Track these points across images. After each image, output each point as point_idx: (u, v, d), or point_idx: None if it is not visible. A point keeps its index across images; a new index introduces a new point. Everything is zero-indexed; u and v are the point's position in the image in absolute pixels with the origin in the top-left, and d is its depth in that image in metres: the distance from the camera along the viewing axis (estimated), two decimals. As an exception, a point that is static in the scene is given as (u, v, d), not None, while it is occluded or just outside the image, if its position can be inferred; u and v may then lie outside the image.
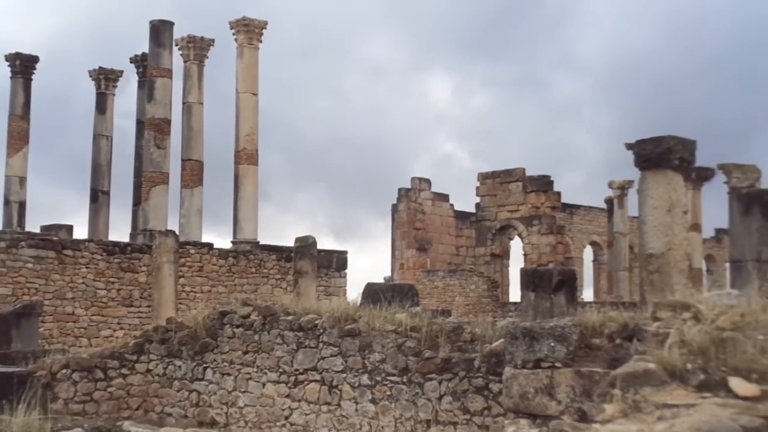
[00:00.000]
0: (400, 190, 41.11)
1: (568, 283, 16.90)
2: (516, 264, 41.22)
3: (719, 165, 33.97)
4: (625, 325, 7.66)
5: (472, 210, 43.12)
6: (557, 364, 7.79)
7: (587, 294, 46.86)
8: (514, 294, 37.07)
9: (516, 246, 42.79)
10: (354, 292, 28.45)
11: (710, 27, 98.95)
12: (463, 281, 38.11)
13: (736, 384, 5.29)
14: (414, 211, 40.57)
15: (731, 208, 22.86)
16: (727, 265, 28.78)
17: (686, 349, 5.74)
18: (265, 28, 29.38)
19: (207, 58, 30.40)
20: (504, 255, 42.64)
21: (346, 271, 27.45)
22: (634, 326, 7.53)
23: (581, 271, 48.25)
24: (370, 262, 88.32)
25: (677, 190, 20.37)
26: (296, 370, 11.37)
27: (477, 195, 42.31)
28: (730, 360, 5.61)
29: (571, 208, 48.26)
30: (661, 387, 5.31)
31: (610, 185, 43.90)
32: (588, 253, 50.68)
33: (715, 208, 36.78)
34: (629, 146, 20.40)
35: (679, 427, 4.49)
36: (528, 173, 40.69)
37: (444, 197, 42.52)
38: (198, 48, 30.03)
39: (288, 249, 24.94)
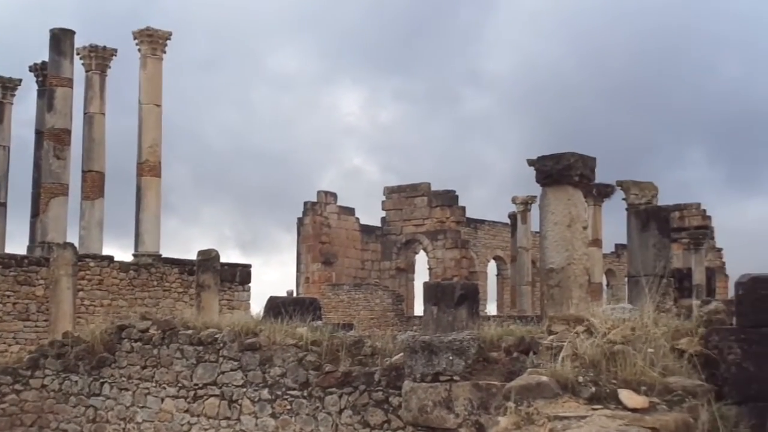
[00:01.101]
0: (305, 203, 41.01)
1: (471, 297, 17.06)
2: (421, 278, 41.55)
3: (618, 182, 34.73)
4: (521, 339, 7.79)
5: (378, 224, 43.26)
6: (455, 378, 7.86)
7: (491, 308, 47.39)
8: (419, 308, 37.24)
9: (421, 260, 43.12)
10: (259, 305, 28.20)
11: (613, 47, 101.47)
12: (368, 295, 38.17)
13: (626, 396, 5.42)
14: (319, 224, 40.50)
15: (629, 225, 23.42)
16: (627, 279, 29.43)
17: (579, 362, 5.86)
18: (170, 38, 29.03)
19: (109, 67, 29.86)
20: (409, 269, 42.88)
21: (250, 284, 27.24)
22: (530, 340, 7.67)
23: (485, 285, 48.78)
24: (276, 275, 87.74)
25: (577, 206, 20.77)
26: (195, 384, 11.23)
27: (383, 209, 42.51)
28: (620, 372, 5.74)
29: (475, 223, 48.75)
30: (554, 399, 5.40)
31: (514, 201, 44.50)
32: (492, 268, 51.28)
33: (615, 223, 37.62)
34: (531, 162, 20.75)
35: (569, 438, 4.58)
36: (435, 188, 41.04)
37: (350, 211, 42.56)
38: (100, 57, 29.48)
39: (191, 262, 24.63)
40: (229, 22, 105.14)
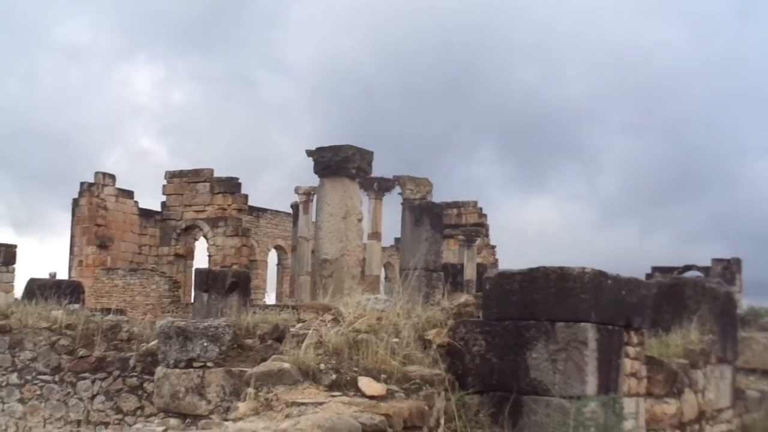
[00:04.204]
0: (82, 184, 39.54)
1: (242, 285, 17.07)
2: (200, 265, 40.86)
3: (395, 176, 35.47)
4: (276, 327, 7.84)
5: (160, 208, 42.26)
6: (209, 364, 7.83)
7: (271, 297, 47.34)
8: (197, 295, 36.58)
9: (201, 247, 42.47)
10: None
11: (415, 44, 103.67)
12: (145, 280, 37.27)
13: (365, 383, 5.54)
14: (96, 206, 39.16)
15: (404, 219, 24.11)
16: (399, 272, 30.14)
17: (323, 349, 5.94)
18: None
19: None
20: (188, 255, 42.15)
21: (15, 265, 26.05)
22: (284, 328, 7.73)
23: (265, 274, 48.73)
24: (51, 256, 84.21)
25: (353, 198, 21.19)
26: (-63, 368, 10.64)
27: (163, 193, 41.55)
28: (362, 361, 5.86)
29: (258, 212, 48.55)
30: (294, 386, 5.45)
31: (296, 191, 44.57)
32: (273, 257, 51.27)
33: (396, 217, 38.50)
34: (309, 153, 20.88)
35: (303, 424, 4.63)
36: (225, 174, 40.43)
37: (128, 194, 41.39)
38: None
39: (-51, 240, 23.31)
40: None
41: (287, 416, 5.00)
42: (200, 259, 42.37)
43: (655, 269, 45.33)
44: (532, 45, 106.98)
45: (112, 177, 40.89)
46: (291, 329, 6.94)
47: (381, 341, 6.03)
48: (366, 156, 20.06)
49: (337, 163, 19.32)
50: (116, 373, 9.34)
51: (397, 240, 53.78)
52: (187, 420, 7.74)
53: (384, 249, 44.87)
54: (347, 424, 4.71)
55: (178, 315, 32.99)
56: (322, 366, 5.64)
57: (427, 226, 22.63)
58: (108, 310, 12.81)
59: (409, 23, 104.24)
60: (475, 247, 44.44)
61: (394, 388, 5.66)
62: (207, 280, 16.85)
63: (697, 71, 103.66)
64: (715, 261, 44.84)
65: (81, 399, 9.50)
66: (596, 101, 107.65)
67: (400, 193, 35.17)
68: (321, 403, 5.16)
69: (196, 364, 7.84)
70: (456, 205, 50.84)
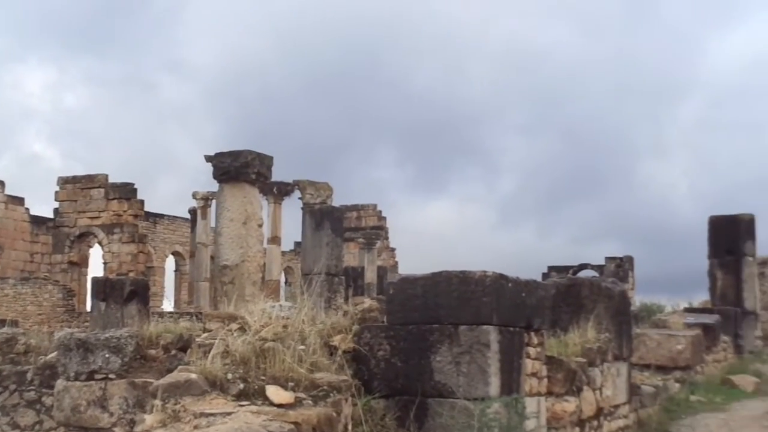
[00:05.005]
0: (-32, 191, 38.49)
1: (141, 293, 16.81)
2: (96, 273, 40.03)
3: (295, 181, 35.45)
4: (180, 336, 7.76)
5: (52, 215, 41.28)
6: (111, 376, 7.71)
7: (168, 304, 46.68)
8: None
9: (96, 254, 41.62)
10: None
11: (317, 46, 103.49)
12: (37, 290, 36.35)
13: (273, 392, 5.54)
14: (-15, 214, 38.13)
15: (304, 223, 24.09)
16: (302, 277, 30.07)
17: (230, 359, 5.92)
18: None
19: None
20: (83, 263, 41.27)
21: None
22: (188, 337, 7.66)
23: (163, 280, 48.06)
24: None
25: (253, 204, 21.05)
26: None
27: (56, 200, 40.57)
28: (269, 369, 5.86)
29: (155, 217, 47.89)
30: (202, 396, 5.42)
31: (194, 196, 44.08)
32: (170, 263, 50.60)
33: (296, 221, 38.44)
34: (208, 158, 20.67)
35: (212, 434, 4.62)
36: (121, 179, 39.67)
37: (19, 200, 40.36)
38: None
39: None
40: None
41: (195, 427, 4.97)
42: (95, 267, 41.53)
43: (551, 269, 46.30)
44: (432, 48, 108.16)
45: (1, 183, 39.83)
46: (197, 339, 6.89)
47: (288, 349, 6.04)
48: (266, 161, 19.98)
49: (236, 168, 19.19)
50: (12, 387, 9.08)
51: (297, 244, 53.69)
52: (88, 433, 7.61)
53: (284, 253, 44.73)
54: (256, 433, 4.72)
55: (74, 325, 32.29)
56: (230, 375, 5.62)
57: (327, 230, 22.68)
58: (2, 322, 12.44)
59: (310, 24, 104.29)
60: (376, 250, 44.66)
61: (302, 395, 5.68)
62: (104, 288, 16.55)
63: (591, 71, 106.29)
64: (609, 259, 45.95)
65: (-24, 415, 9.23)
66: (495, 103, 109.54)
67: (300, 198, 35.14)
68: (229, 413, 5.14)
69: (97, 377, 7.70)
70: (356, 208, 51.06)
